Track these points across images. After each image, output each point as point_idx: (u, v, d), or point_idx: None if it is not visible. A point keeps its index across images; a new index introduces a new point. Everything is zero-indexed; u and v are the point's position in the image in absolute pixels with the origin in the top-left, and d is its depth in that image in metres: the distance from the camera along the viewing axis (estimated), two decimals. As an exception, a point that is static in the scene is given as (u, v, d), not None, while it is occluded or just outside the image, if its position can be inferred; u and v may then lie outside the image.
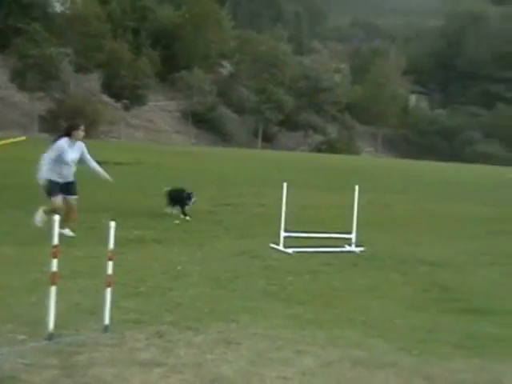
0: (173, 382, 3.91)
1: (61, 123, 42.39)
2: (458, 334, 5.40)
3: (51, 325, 4.47)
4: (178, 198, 11.95)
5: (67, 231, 8.92)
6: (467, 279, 8.00)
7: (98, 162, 9.66)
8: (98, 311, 4.93)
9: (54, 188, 9.04)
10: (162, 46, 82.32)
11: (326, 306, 6.18)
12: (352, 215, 9.73)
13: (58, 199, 9.05)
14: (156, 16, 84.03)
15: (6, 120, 61.90)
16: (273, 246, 9.29)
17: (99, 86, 74.54)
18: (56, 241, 4.48)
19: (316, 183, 23.64)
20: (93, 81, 75.27)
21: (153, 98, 77.78)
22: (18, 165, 19.48)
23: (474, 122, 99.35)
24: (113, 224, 4.76)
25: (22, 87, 65.93)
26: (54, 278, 4.47)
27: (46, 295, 4.50)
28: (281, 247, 9.14)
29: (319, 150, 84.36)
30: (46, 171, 8.98)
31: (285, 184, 9.19)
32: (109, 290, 4.79)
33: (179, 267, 7.46)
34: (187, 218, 11.69)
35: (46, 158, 8.98)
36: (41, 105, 67.27)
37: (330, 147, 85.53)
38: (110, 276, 4.82)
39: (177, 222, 11.36)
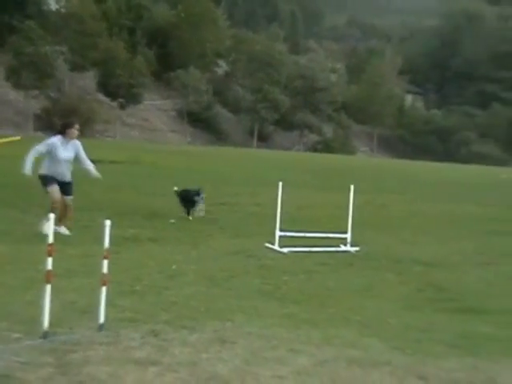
0: (168, 380, 3.91)
1: (56, 122, 42.34)
2: (452, 334, 5.42)
3: (46, 323, 4.46)
4: (189, 198, 12.00)
5: (63, 230, 8.91)
6: (462, 279, 8.02)
7: (93, 161, 9.64)
8: (92, 310, 4.92)
9: (49, 179, 9.00)
10: (157, 45, 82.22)
11: (321, 305, 6.19)
12: (347, 215, 9.75)
13: (55, 188, 8.98)
14: (152, 15, 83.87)
15: (1, 118, 61.71)
16: (268, 245, 9.29)
17: (94, 84, 74.23)
18: (51, 239, 4.48)
19: (311, 183, 23.67)
20: (88, 79, 75.01)
21: (148, 96, 77.57)
22: (12, 163, 19.38)
23: (470, 122, 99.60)
24: (108, 223, 4.76)
25: (17, 85, 65.51)
26: (48, 277, 4.46)
27: (41, 293, 4.50)
28: (276, 247, 9.15)
29: (315, 150, 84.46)
30: (43, 167, 8.99)
31: (280, 183, 9.20)
32: (104, 289, 4.78)
33: (174, 266, 7.46)
34: (189, 217, 11.75)
35: (34, 150, 8.91)
36: (36, 103, 66.89)
37: (326, 147, 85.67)
38: (105, 275, 4.81)
39: (172, 220, 11.36)
